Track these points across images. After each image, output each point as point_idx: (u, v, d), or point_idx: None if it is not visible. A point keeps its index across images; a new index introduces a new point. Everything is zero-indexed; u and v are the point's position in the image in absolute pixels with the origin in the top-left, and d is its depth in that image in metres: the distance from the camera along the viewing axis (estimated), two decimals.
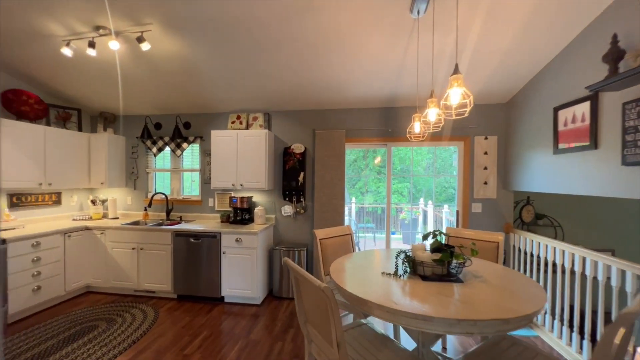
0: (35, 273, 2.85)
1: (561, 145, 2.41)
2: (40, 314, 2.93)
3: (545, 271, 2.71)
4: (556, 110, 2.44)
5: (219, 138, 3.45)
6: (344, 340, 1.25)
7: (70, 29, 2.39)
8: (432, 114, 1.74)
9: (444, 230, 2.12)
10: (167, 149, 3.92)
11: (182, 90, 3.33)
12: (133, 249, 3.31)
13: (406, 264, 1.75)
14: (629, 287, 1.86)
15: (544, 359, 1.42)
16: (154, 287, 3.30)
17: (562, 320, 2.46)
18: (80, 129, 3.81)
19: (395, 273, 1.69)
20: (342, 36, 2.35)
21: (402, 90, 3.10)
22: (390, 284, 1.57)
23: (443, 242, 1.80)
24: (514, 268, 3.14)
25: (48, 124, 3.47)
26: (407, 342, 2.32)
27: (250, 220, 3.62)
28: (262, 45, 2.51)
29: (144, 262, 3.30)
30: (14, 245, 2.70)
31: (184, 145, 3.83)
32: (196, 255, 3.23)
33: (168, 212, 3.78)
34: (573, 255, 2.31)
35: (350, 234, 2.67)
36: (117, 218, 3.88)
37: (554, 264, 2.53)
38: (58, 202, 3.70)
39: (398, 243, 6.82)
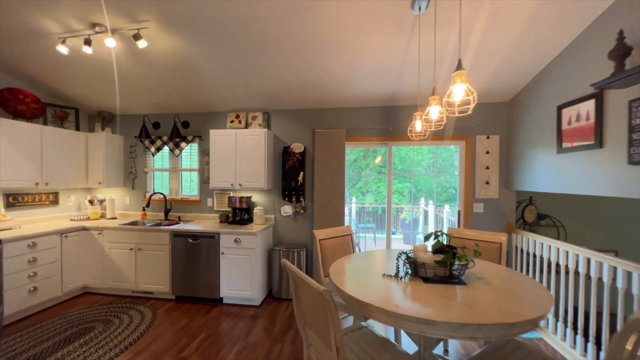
0: (32, 274, 2.82)
1: (565, 144, 2.37)
2: (37, 315, 2.89)
3: (549, 272, 2.67)
4: (560, 108, 2.40)
5: (218, 137, 3.42)
6: (343, 345, 1.21)
7: (66, 26, 2.36)
8: (434, 111, 1.70)
9: (445, 231, 2.08)
10: (166, 148, 3.89)
11: (180, 89, 3.29)
12: (131, 249, 3.27)
13: (407, 265, 1.71)
14: (635, 289, 1.82)
15: None
16: (152, 287, 3.26)
17: (565, 322, 2.42)
18: (77, 128, 3.77)
19: (397, 275, 1.65)
20: (342, 34, 2.31)
21: (403, 89, 3.06)
22: (391, 286, 1.53)
23: (445, 243, 1.76)
24: (516, 269, 3.10)
25: (45, 123, 3.44)
26: (409, 346, 2.28)
27: (249, 220, 3.58)
28: (262, 43, 2.47)
29: (142, 262, 3.26)
30: (10, 245, 2.66)
31: (183, 144, 3.79)
32: (195, 256, 3.19)
33: (166, 212, 3.74)
34: (577, 256, 2.26)
35: (351, 234, 2.63)
36: (115, 218, 3.84)
37: (557, 265, 2.49)
38: (55, 202, 3.67)
39: (398, 243, 6.78)
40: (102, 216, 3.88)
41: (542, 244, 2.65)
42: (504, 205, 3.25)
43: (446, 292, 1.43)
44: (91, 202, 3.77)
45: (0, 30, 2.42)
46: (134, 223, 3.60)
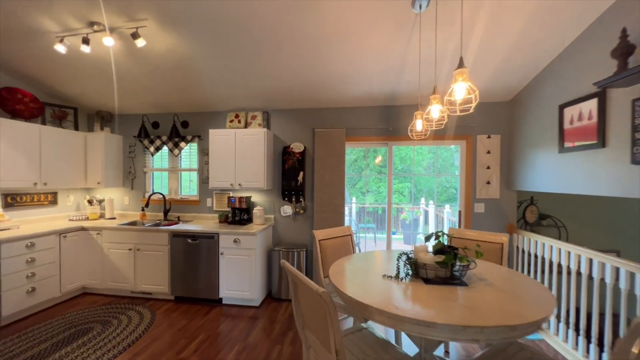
0: (30, 274, 2.80)
1: (567, 144, 2.35)
2: (35, 315, 2.87)
3: (550, 272, 2.65)
4: (562, 107, 2.38)
5: (217, 137, 3.40)
6: (342, 347, 1.19)
7: (63, 25, 2.34)
8: (435, 110, 1.68)
9: (446, 231, 2.06)
10: (165, 148, 3.87)
11: (179, 89, 3.27)
12: (130, 249, 3.25)
13: (408, 266, 1.69)
14: (638, 291, 1.80)
15: None
16: (151, 288, 3.24)
17: (567, 323, 2.40)
18: (76, 128, 3.76)
19: (397, 276, 1.63)
20: (342, 32, 2.29)
21: (403, 88, 3.04)
22: (391, 287, 1.51)
23: (446, 243, 1.74)
24: (517, 270, 3.08)
25: (44, 122, 3.42)
26: (409, 347, 2.26)
27: (249, 220, 3.56)
28: (261, 42, 2.46)
29: (141, 263, 3.25)
30: (8, 246, 2.64)
31: (182, 144, 3.77)
32: (194, 256, 3.17)
33: (166, 212, 3.72)
34: (579, 256, 2.24)
35: (351, 234, 2.61)
36: (114, 218, 3.82)
37: (559, 266, 2.47)
38: (54, 202, 3.65)
39: (399, 243, 6.76)
40: (101, 216, 3.86)
41: (544, 244, 2.63)
42: (505, 205, 3.23)
43: (447, 294, 1.41)
44: (90, 202, 3.76)
45: None
46: (133, 223, 3.58)
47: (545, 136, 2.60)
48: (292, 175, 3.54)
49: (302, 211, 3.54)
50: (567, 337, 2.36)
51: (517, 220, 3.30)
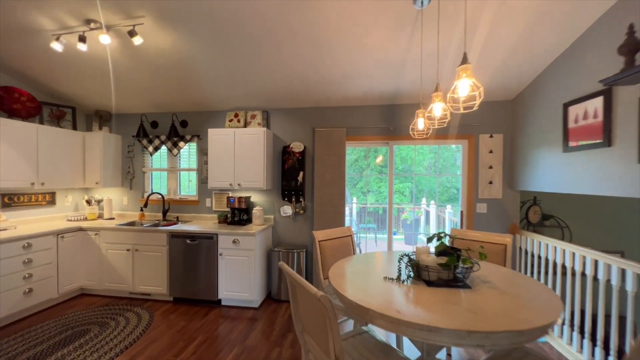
0: (27, 275, 2.77)
1: (571, 143, 2.30)
2: (32, 317, 2.84)
3: (554, 274, 2.61)
4: (566, 106, 2.33)
5: (216, 136, 3.36)
6: (342, 352, 1.15)
7: (60, 22, 2.31)
8: (438, 108, 1.64)
9: (448, 232, 2.02)
10: (164, 148, 3.83)
11: (178, 88, 3.24)
12: (128, 250, 3.22)
13: (410, 268, 1.65)
14: None
15: None
16: (150, 289, 3.21)
17: (572, 325, 2.35)
18: (75, 128, 3.73)
19: (398, 278, 1.59)
20: (343, 29, 2.25)
21: (404, 87, 2.99)
22: (393, 290, 1.48)
23: (448, 244, 1.70)
24: (520, 271, 3.03)
25: (41, 122, 3.39)
26: (411, 350, 2.22)
27: (248, 221, 3.53)
28: (261, 40, 2.42)
29: (139, 263, 3.21)
30: (4, 246, 2.61)
31: (181, 144, 3.74)
32: (193, 257, 3.14)
33: (164, 213, 3.69)
34: (584, 257, 2.20)
35: (351, 235, 2.57)
36: (112, 218, 3.79)
37: (564, 267, 2.42)
38: (52, 202, 3.62)
39: (400, 244, 6.72)
40: (100, 216, 3.83)
41: (547, 245, 2.58)
42: (508, 205, 3.18)
43: (451, 297, 1.37)
44: (88, 202, 3.73)
45: None
46: (132, 223, 3.55)
47: (549, 135, 2.56)
48: (292, 175, 3.50)
49: (302, 211, 3.50)
50: (571, 339, 2.32)
51: (520, 220, 3.26)
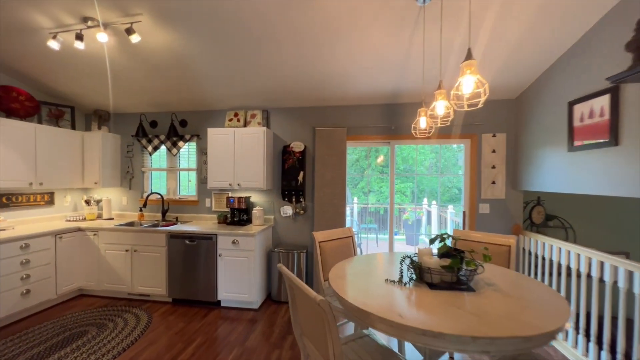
0: (25, 276, 2.75)
1: (576, 142, 2.26)
2: (30, 318, 2.82)
3: (559, 275, 2.56)
4: (571, 104, 2.29)
5: (216, 136, 3.33)
6: (342, 358, 1.11)
7: (57, 20, 2.28)
8: (440, 106, 1.60)
9: (449, 232, 1.98)
10: (163, 147, 3.80)
11: (177, 87, 3.21)
12: (127, 250, 3.19)
13: (412, 270, 1.61)
14: None
15: None
16: (148, 290, 3.18)
17: (577, 328, 2.31)
18: (73, 127, 3.70)
19: (400, 280, 1.55)
20: (343, 27, 2.21)
21: (406, 85, 2.95)
22: (394, 292, 1.44)
23: (451, 246, 1.66)
24: (523, 272, 2.99)
25: (40, 121, 3.36)
26: (413, 354, 2.18)
27: (248, 221, 3.49)
28: (261, 39, 2.38)
29: (138, 264, 3.18)
30: (1, 247, 2.59)
31: (180, 143, 3.71)
32: (192, 258, 3.11)
33: (164, 213, 3.66)
34: (590, 259, 2.16)
35: (352, 236, 2.53)
36: (112, 219, 3.77)
37: (568, 268, 2.38)
38: (51, 202, 3.60)
39: (401, 244, 6.67)
40: (99, 217, 3.81)
41: (552, 246, 2.54)
42: (511, 205, 3.14)
43: (454, 300, 1.33)
44: (87, 202, 3.70)
45: None
46: (131, 224, 3.52)
47: (554, 134, 2.51)
48: (292, 174, 3.46)
49: (302, 211, 3.47)
50: (577, 342, 2.27)
51: (523, 221, 3.21)
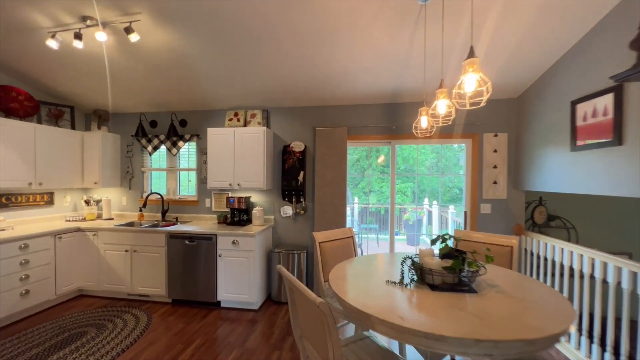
0: (24, 276, 2.74)
1: (579, 142, 2.24)
2: (29, 319, 2.81)
3: (561, 276, 2.54)
4: (574, 103, 2.26)
5: (216, 136, 3.31)
6: None
7: (55, 19, 2.26)
8: (442, 105, 1.58)
9: (451, 232, 1.96)
10: (163, 147, 3.79)
11: (177, 87, 3.19)
12: (126, 251, 3.18)
13: (413, 271, 1.59)
14: None
15: None
16: (148, 290, 3.17)
17: (580, 329, 2.29)
18: (73, 127, 3.69)
19: (401, 282, 1.53)
20: (343, 26, 2.19)
21: (407, 85, 2.93)
22: (395, 294, 1.42)
23: (452, 246, 1.64)
24: (525, 273, 2.97)
25: (39, 121, 3.35)
26: (414, 356, 2.16)
27: (248, 221, 3.48)
28: (261, 39, 2.37)
29: (138, 264, 3.17)
30: (1, 247, 2.58)
31: (180, 143, 3.70)
32: (191, 258, 3.09)
33: (164, 213, 3.65)
34: (593, 260, 2.13)
35: (352, 236, 2.51)
36: (111, 219, 3.75)
37: (571, 269, 2.36)
38: (50, 202, 3.59)
39: (402, 244, 6.65)
40: (99, 217, 3.80)
41: (554, 246, 2.51)
42: (513, 205, 3.12)
43: (456, 302, 1.32)
44: (87, 202, 3.69)
45: None
46: (131, 224, 3.50)
47: (556, 134, 2.49)
48: (292, 174, 3.45)
49: (302, 212, 3.45)
50: (579, 344, 2.25)
51: (525, 221, 3.19)
